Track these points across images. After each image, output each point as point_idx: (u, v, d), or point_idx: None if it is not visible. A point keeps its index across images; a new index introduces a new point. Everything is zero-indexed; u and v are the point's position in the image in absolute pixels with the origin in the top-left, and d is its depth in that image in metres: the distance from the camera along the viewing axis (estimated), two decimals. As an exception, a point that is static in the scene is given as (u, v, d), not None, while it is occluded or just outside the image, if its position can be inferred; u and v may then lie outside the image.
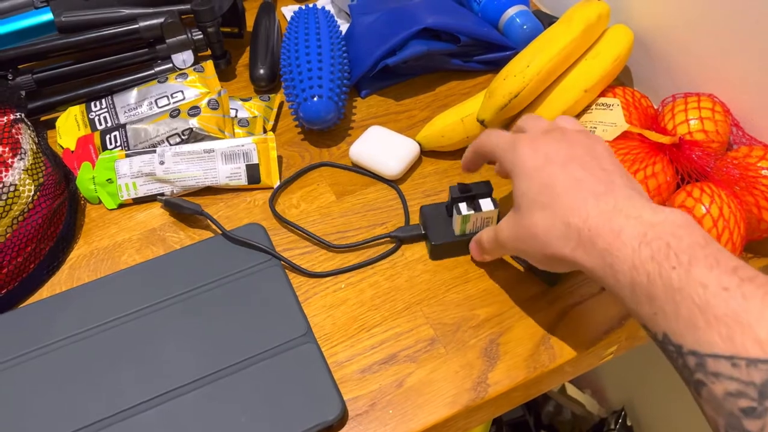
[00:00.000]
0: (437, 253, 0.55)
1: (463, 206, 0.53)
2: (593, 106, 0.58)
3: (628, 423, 0.91)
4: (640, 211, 0.38)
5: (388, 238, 0.56)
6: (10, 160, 0.51)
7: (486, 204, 0.53)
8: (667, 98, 0.58)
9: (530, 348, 0.50)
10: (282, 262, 0.54)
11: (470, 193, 0.53)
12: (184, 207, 0.58)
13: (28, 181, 0.52)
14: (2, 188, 0.49)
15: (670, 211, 0.37)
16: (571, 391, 0.97)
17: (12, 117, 0.53)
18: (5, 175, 0.50)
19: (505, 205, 0.55)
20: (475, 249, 0.52)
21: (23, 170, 0.51)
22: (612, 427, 0.90)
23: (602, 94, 0.59)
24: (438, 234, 0.54)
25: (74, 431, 0.45)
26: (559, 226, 0.40)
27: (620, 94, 0.59)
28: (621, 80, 0.68)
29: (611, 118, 0.57)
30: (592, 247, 0.38)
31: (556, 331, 0.50)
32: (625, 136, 0.55)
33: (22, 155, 0.52)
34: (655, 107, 0.60)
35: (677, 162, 0.53)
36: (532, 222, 0.42)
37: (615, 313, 0.51)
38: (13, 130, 0.52)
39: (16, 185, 0.50)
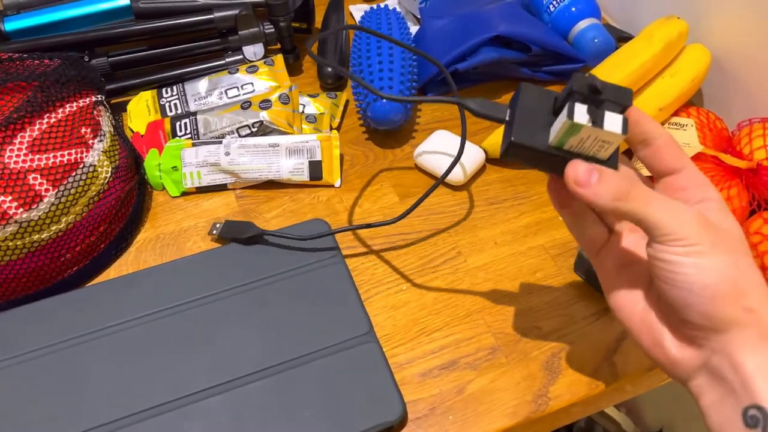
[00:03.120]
0: (513, 152, 0.37)
1: (580, 110, 0.34)
2: (666, 125, 0.58)
3: (665, 446, 0.90)
4: None
5: (457, 105, 0.40)
6: (90, 141, 0.52)
7: (612, 121, 0.34)
8: (743, 122, 0.57)
9: (593, 364, 0.49)
10: (354, 231, 0.56)
11: (599, 96, 0.34)
12: (242, 238, 0.54)
13: (105, 162, 0.53)
14: (83, 168, 0.50)
15: None
16: (609, 410, 0.96)
17: (94, 99, 0.54)
18: (86, 156, 0.51)
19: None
20: (583, 178, 0.35)
21: (102, 152, 0.52)
22: (648, 448, 0.89)
23: (676, 113, 0.59)
24: (525, 130, 0.36)
25: (138, 412, 0.45)
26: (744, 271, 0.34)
27: (694, 115, 0.58)
28: (691, 101, 0.67)
29: (685, 139, 0.56)
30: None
31: (618, 349, 0.50)
32: (698, 158, 0.55)
33: (102, 137, 0.53)
34: (730, 130, 0.59)
35: (753, 188, 0.52)
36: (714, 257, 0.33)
37: (680, 335, 0.50)
38: (95, 112, 0.53)
39: (95, 166, 0.51)
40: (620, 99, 0.35)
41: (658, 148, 0.37)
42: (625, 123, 0.35)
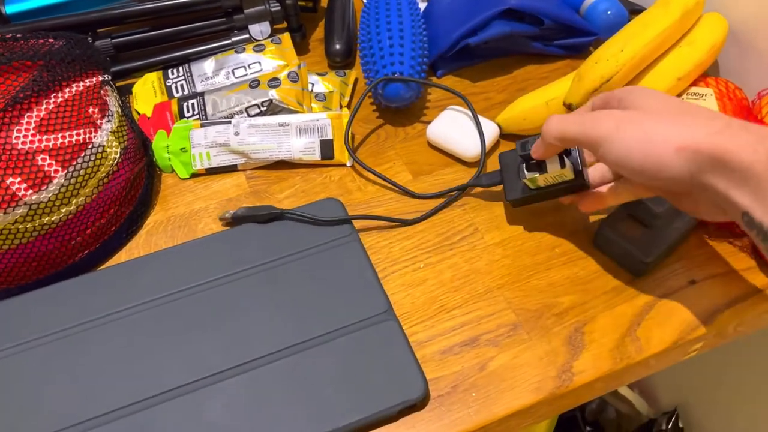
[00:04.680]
0: (514, 205, 0.54)
1: (525, 169, 0.49)
2: (685, 95, 0.57)
3: (680, 425, 0.89)
4: None
5: (473, 190, 0.57)
6: (99, 122, 0.50)
7: (552, 164, 0.48)
8: (763, 90, 0.56)
9: (616, 338, 0.48)
10: (370, 222, 0.55)
11: (532, 160, 0.48)
12: (259, 215, 0.54)
13: (114, 143, 0.51)
14: (92, 149, 0.49)
15: None
16: (622, 389, 0.95)
17: (100, 78, 0.53)
18: (94, 136, 0.50)
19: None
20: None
21: (110, 132, 0.51)
22: (663, 428, 0.89)
23: (694, 83, 0.57)
24: (512, 188, 0.53)
25: (156, 395, 0.45)
26: (700, 119, 0.39)
27: (713, 84, 0.57)
28: (708, 71, 0.65)
29: (704, 109, 0.55)
30: (745, 129, 0.36)
31: (642, 322, 0.49)
32: (718, 127, 0.53)
33: (110, 117, 0.52)
34: (749, 99, 0.58)
35: (776, 156, 0.51)
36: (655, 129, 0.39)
37: (704, 308, 0.50)
38: (102, 92, 0.52)
39: (104, 146, 0.50)
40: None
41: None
42: (562, 158, 0.47)
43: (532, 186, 0.50)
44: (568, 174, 0.48)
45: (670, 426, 0.89)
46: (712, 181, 0.38)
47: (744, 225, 0.37)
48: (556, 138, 0.44)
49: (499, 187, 0.56)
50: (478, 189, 0.58)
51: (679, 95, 0.57)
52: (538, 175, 0.48)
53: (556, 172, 0.48)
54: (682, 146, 0.38)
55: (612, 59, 0.54)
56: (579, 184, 0.49)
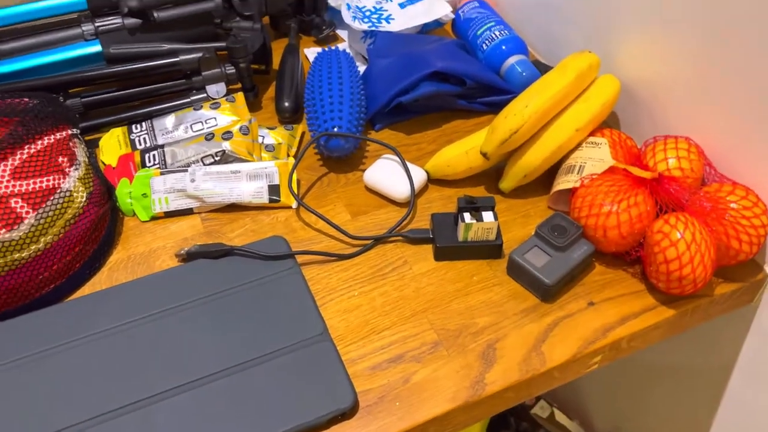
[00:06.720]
0: (441, 254, 0.62)
1: (467, 216, 0.61)
2: (583, 144, 0.66)
3: (615, 450, 0.95)
4: None
5: (400, 237, 0.64)
6: (67, 169, 0.57)
7: (487, 216, 0.61)
8: (648, 139, 0.65)
9: (523, 353, 0.55)
10: (312, 256, 0.62)
11: (475, 205, 0.61)
12: (211, 251, 0.61)
13: (81, 188, 0.58)
14: (60, 193, 0.56)
15: None
16: (560, 418, 1.01)
17: (70, 132, 0.60)
18: (63, 182, 0.56)
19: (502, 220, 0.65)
20: None
21: (77, 179, 0.58)
22: (599, 453, 0.95)
23: (592, 133, 0.67)
24: (444, 238, 0.62)
25: (112, 410, 0.50)
26: None
27: (608, 135, 0.66)
28: (608, 123, 0.75)
29: (599, 155, 0.64)
30: None
31: (546, 339, 0.56)
32: (611, 170, 0.62)
33: (77, 166, 0.58)
34: (638, 147, 0.67)
35: (657, 194, 0.60)
36: None
37: (600, 325, 0.57)
38: (71, 144, 0.59)
39: (71, 191, 0.57)
40: (488, 203, 0.61)
41: None
42: (495, 215, 0.61)
43: (463, 236, 0.61)
44: (492, 233, 0.61)
45: (605, 451, 0.94)
46: None
47: None
48: None
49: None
50: (410, 226, 0.66)
51: (579, 144, 0.66)
52: (475, 222, 0.60)
53: (488, 225, 0.61)
54: None
55: (519, 114, 0.63)
56: (497, 246, 0.62)
